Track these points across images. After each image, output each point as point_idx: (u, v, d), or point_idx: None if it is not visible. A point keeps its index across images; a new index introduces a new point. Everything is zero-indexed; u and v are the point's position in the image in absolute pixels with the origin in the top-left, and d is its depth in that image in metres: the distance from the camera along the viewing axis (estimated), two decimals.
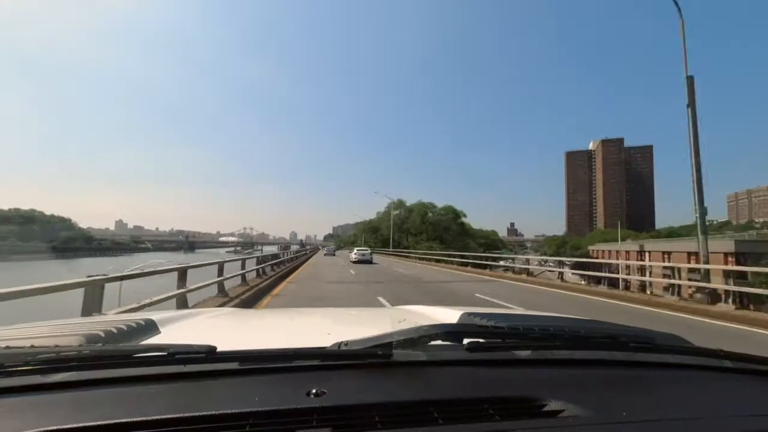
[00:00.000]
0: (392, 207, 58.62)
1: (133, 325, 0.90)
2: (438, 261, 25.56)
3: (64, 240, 79.82)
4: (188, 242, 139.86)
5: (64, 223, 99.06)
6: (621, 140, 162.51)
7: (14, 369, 0.62)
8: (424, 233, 54.30)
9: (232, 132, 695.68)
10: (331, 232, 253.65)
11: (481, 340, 0.74)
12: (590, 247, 64.82)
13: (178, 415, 0.53)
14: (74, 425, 0.51)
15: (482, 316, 0.97)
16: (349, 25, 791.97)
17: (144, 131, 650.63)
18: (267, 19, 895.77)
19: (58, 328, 0.87)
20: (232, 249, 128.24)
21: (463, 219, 58.39)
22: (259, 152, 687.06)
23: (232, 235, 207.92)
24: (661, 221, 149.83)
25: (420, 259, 29.19)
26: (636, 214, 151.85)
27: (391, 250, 43.23)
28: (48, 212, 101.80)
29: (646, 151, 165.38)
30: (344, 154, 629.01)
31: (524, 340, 0.78)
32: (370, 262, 24.78)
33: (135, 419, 0.52)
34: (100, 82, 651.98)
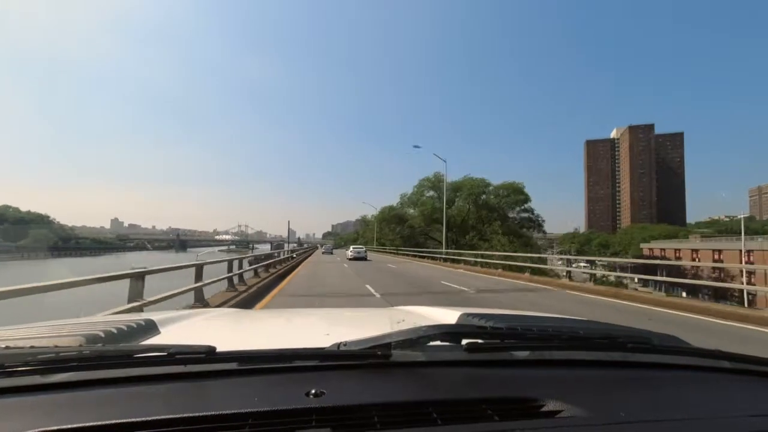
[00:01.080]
0: (440, 180, 37.58)
1: (133, 325, 0.94)
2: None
3: (36, 238, 74.22)
4: (179, 241, 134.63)
5: (42, 220, 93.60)
6: (651, 126, 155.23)
7: (14, 369, 0.64)
8: (488, 223, 37.20)
9: (231, 130, 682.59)
10: (330, 230, 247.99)
11: (479, 341, 0.78)
12: (645, 246, 57.86)
13: (177, 416, 0.56)
14: (74, 425, 0.53)
15: (481, 316, 1.01)
16: (351, 18, 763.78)
17: (140, 129, 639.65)
18: (266, 13, 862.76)
19: (58, 328, 0.91)
20: (225, 248, 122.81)
21: (530, 204, 40.21)
22: (259, 150, 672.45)
23: (227, 233, 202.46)
24: (691, 215, 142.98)
25: (479, 263, 18.95)
26: (665, 207, 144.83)
27: (443, 252, 24.98)
28: (34, 210, 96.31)
29: (677, 139, 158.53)
30: (344, 152, 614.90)
31: (523, 340, 0.82)
32: (364, 258, 28.21)
33: (135, 419, 0.54)
34: (102, 82, 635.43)
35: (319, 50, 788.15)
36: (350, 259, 26.57)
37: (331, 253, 41.40)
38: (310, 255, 33.93)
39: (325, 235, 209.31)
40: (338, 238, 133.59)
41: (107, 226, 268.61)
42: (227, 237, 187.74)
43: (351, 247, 33.55)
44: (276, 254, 18.06)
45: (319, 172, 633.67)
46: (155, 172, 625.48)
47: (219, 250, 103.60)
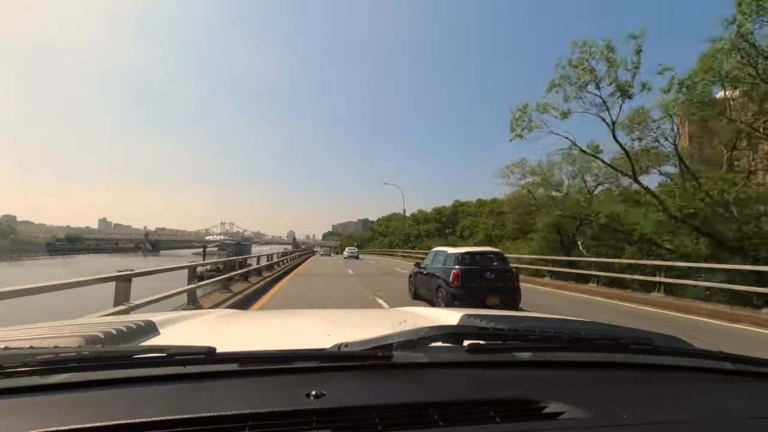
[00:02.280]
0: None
1: (133, 326, 0.95)
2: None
3: None
4: (149, 242, 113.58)
5: None
6: None
7: (14, 370, 0.65)
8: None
9: (230, 130, 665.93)
10: (330, 230, 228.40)
11: (481, 342, 0.79)
12: None
13: (177, 417, 0.56)
14: (73, 426, 0.54)
15: (482, 317, 1.02)
16: (349, 11, 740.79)
17: (138, 129, 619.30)
18: (266, 8, 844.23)
19: (57, 329, 0.92)
20: (199, 250, 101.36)
21: None
22: (257, 151, 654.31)
23: (210, 233, 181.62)
24: None
25: None
26: None
27: None
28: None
29: None
30: (343, 151, 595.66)
31: (525, 341, 0.83)
32: (357, 257, 34.44)
33: (134, 420, 0.55)
34: (109, 82, 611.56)
35: (324, 48, 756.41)
36: (346, 258, 32.97)
37: (330, 255, 43.22)
38: (294, 270, 18.93)
39: (326, 236, 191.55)
40: (343, 238, 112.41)
41: (95, 226, 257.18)
42: (211, 237, 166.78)
43: (346, 249, 43.33)
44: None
45: (319, 172, 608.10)
46: (154, 172, 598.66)
47: (193, 253, 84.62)
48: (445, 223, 45.83)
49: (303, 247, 56.73)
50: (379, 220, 79.81)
